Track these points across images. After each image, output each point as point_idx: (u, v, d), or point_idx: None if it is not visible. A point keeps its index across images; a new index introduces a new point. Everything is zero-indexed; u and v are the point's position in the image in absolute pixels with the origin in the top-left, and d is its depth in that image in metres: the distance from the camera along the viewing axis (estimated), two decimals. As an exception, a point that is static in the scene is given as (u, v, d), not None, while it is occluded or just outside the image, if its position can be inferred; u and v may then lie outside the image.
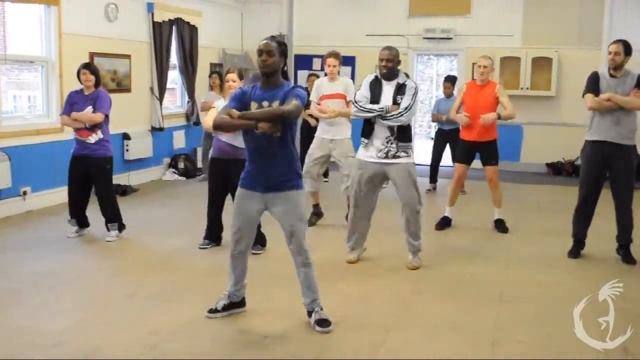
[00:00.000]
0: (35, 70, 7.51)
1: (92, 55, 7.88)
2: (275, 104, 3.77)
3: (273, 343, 3.78)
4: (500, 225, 6.59)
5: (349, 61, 11.17)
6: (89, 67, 5.99)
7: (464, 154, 6.57)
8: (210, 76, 9.65)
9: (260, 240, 5.60)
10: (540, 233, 6.54)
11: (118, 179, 8.37)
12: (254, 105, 3.81)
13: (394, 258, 5.46)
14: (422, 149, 11.97)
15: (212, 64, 10.58)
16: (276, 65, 3.79)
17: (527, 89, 10.52)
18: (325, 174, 9.09)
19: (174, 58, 9.71)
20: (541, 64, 10.44)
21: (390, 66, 5.10)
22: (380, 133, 5.12)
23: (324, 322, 3.96)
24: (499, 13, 10.63)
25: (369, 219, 5.42)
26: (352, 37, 11.15)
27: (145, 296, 4.53)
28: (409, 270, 5.21)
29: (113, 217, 6.02)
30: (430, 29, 10.87)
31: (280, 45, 3.80)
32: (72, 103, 5.90)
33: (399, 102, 5.06)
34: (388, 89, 5.14)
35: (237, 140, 5.31)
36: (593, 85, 5.42)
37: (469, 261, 5.52)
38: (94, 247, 5.84)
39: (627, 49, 5.30)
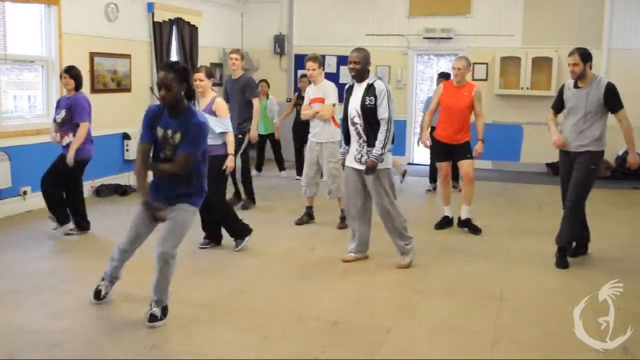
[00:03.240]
0: (35, 70, 7.51)
1: (92, 55, 7.89)
2: (177, 137, 3.94)
3: (273, 343, 3.78)
4: (470, 226, 6.43)
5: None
6: (69, 71, 6.03)
7: (441, 153, 6.55)
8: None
9: (239, 233, 5.67)
10: (540, 233, 6.53)
11: (118, 179, 8.39)
12: (160, 132, 3.98)
13: (394, 258, 5.44)
14: (421, 149, 11.94)
15: (212, 64, 10.58)
16: (176, 96, 3.89)
17: (527, 88, 10.52)
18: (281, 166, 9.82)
19: (174, 58, 9.70)
20: (541, 64, 10.44)
21: (357, 68, 5.10)
22: (354, 138, 5.19)
23: (152, 317, 4.02)
24: (499, 13, 10.64)
25: (367, 222, 5.40)
26: (352, 37, 11.09)
27: (144, 296, 4.51)
28: (408, 270, 5.21)
29: (74, 214, 6.15)
30: (430, 29, 10.87)
31: (179, 72, 3.87)
32: (56, 108, 6.06)
33: (367, 102, 5.04)
34: (357, 92, 5.14)
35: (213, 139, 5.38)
36: (557, 100, 5.55)
37: (469, 261, 5.52)
38: (93, 247, 5.84)
39: (584, 57, 5.19)
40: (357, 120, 5.10)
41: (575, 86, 5.33)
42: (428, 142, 6.65)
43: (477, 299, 4.59)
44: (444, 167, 6.58)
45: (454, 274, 5.15)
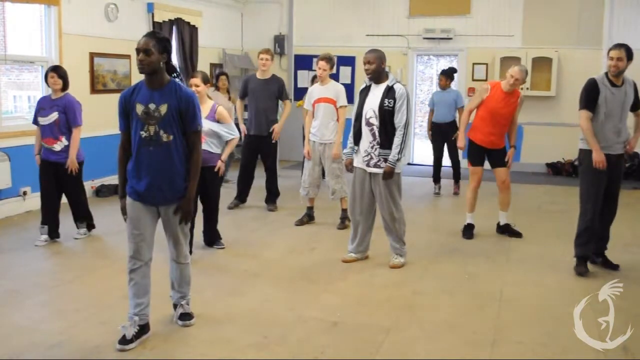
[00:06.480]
0: (35, 70, 7.52)
1: (92, 55, 7.89)
2: (163, 109, 3.62)
3: (273, 343, 3.78)
4: (510, 230, 6.39)
5: (349, 61, 11.17)
6: (56, 70, 5.81)
7: (477, 156, 6.32)
8: (217, 77, 9.31)
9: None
10: (540, 233, 6.54)
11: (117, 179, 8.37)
12: (139, 108, 3.64)
13: (394, 258, 5.45)
14: (422, 149, 11.97)
15: (212, 64, 10.58)
16: (155, 64, 3.60)
17: (527, 89, 10.50)
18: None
19: (174, 58, 9.69)
20: (541, 64, 10.43)
21: (371, 68, 5.11)
22: (366, 138, 5.17)
23: (186, 316, 4.01)
24: (499, 13, 10.64)
25: (370, 224, 5.40)
26: (352, 37, 11.15)
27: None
28: (408, 270, 5.21)
29: (82, 217, 6.04)
30: (430, 29, 10.87)
31: (161, 42, 3.62)
32: (40, 109, 5.76)
33: (385, 104, 5.04)
34: (376, 92, 5.13)
35: (209, 146, 5.34)
36: (592, 99, 4.98)
37: (469, 261, 5.52)
38: (93, 247, 5.85)
39: (629, 53, 4.93)
40: (374, 121, 5.09)
41: (613, 84, 4.99)
42: (463, 144, 6.37)
43: (477, 299, 4.59)
44: (479, 172, 6.36)
45: (454, 274, 5.15)
